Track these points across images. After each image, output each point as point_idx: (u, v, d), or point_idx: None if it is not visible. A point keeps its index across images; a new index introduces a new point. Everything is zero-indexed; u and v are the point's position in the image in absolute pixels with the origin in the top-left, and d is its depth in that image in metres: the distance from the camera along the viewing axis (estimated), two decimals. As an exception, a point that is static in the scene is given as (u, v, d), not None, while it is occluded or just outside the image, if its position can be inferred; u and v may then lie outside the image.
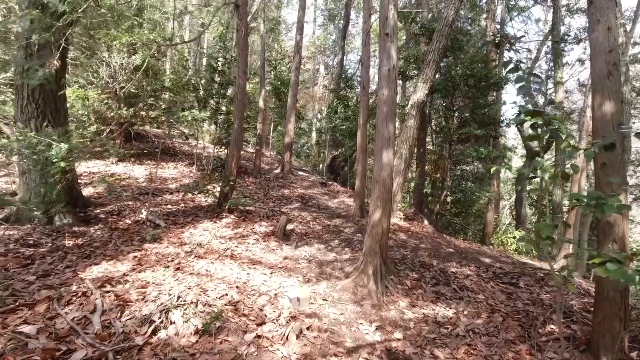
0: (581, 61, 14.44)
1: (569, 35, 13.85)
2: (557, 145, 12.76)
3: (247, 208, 7.73)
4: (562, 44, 13.31)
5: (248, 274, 4.39)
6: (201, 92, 9.83)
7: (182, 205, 7.26)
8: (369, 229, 4.71)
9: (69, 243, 4.41)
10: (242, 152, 16.85)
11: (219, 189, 7.56)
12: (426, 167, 8.66)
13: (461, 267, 5.68)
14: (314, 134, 24.78)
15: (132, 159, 10.77)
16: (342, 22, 21.85)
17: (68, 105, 7.79)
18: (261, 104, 11.69)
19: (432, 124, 9.69)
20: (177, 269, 4.02)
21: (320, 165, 18.67)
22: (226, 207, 6.97)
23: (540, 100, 15.24)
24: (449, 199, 9.31)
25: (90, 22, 5.70)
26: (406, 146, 9.28)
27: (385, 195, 4.65)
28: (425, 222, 9.38)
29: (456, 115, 8.71)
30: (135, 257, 4.24)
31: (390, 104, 4.82)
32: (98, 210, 5.85)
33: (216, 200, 7.43)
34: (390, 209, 4.75)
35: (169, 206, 6.97)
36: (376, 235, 4.60)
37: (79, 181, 8.15)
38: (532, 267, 6.66)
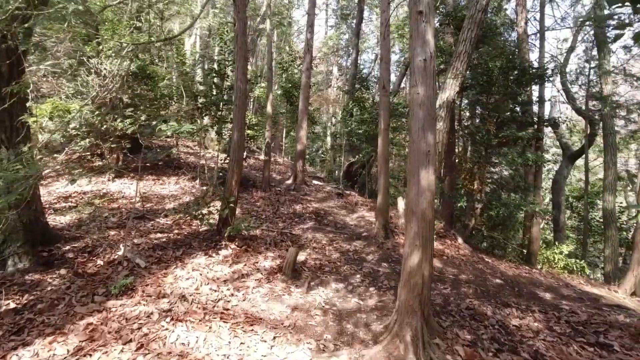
0: (627, 47, 12.76)
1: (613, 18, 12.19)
2: (607, 144, 11.17)
3: (252, 233, 6.61)
4: (607, 29, 11.69)
5: (242, 343, 3.24)
6: (200, 99, 8.79)
7: (176, 231, 6.20)
8: (405, 276, 3.49)
9: (7, 303, 3.36)
10: (253, 161, 15.87)
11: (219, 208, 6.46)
12: (462, 176, 7.37)
13: (523, 313, 4.37)
14: (328, 138, 23.65)
15: (132, 175, 9.86)
16: (354, 20, 20.65)
17: (46, 119, 6.89)
18: (269, 109, 10.60)
19: (463, 126, 8.34)
20: (141, 346, 2.90)
21: (336, 172, 17.46)
22: (226, 234, 5.86)
23: (581, 93, 13.60)
24: (485, 212, 7.96)
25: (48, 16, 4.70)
26: (437, 141, 7.98)
27: (425, 232, 3.43)
28: (459, 239, 8.05)
29: (494, 115, 7.39)
30: (90, 325, 3.15)
31: (428, 107, 3.60)
32: (67, 247, 4.82)
33: (215, 225, 6.35)
34: (432, 249, 3.52)
35: (158, 235, 5.91)
36: (415, 286, 3.38)
37: (63, 205, 7.24)
38: (608, 305, 5.26)
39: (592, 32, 12.82)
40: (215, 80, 9.23)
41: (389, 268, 5.77)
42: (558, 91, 13.25)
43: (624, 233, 10.83)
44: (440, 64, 8.55)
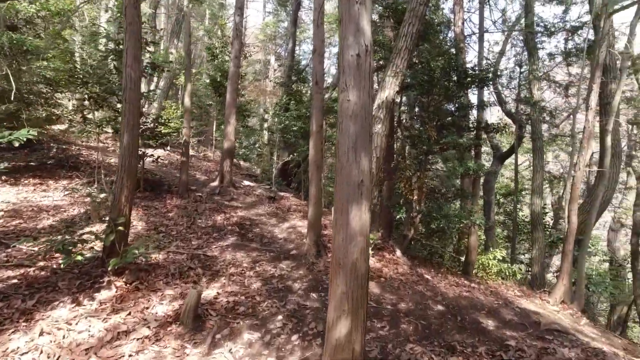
0: (552, 55, 13.30)
1: (540, 25, 12.56)
2: (535, 148, 11.45)
3: (152, 261, 5.29)
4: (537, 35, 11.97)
5: None
6: (93, 87, 7.03)
7: (40, 264, 4.66)
8: (328, 350, 2.57)
9: None
10: (178, 157, 14.00)
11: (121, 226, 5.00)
12: (401, 186, 6.74)
13: (469, 361, 3.73)
14: (265, 132, 22.32)
15: (4, 177, 7.80)
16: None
17: None
18: (187, 101, 9.08)
19: (403, 128, 7.73)
20: None
21: (271, 170, 16.25)
22: (110, 267, 4.48)
23: (510, 98, 13.99)
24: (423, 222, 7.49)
25: None
26: (373, 158, 7.26)
27: (357, 293, 2.53)
28: (398, 252, 7.47)
29: (435, 119, 6.84)
30: None
31: (362, 119, 2.69)
32: None
33: (100, 254, 4.92)
34: (365, 313, 2.63)
35: (8, 273, 4.35)
36: (342, 368, 2.46)
37: None
38: (550, 330, 4.92)
39: (521, 38, 13.14)
40: (115, 63, 7.53)
41: (319, 301, 4.88)
42: (489, 93, 13.45)
43: (549, 232, 11.26)
44: (379, 60, 7.81)
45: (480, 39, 9.84)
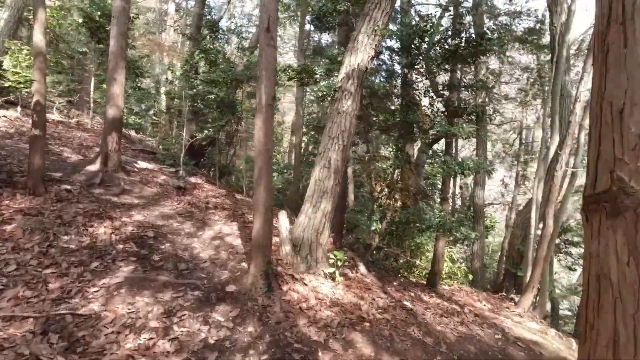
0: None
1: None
2: (479, 139, 10.87)
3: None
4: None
5: None
6: None
7: None
8: None
9: None
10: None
11: None
12: (377, 186, 5.04)
13: None
14: (163, 98, 18.34)
15: None
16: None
17: None
18: (38, 39, 5.60)
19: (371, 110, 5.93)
20: None
21: (178, 148, 12.82)
22: None
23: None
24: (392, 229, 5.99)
25: None
26: (338, 147, 5.37)
27: None
28: (362, 267, 5.87)
29: (435, 97, 5.21)
30: None
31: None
32: None
33: None
34: None
35: None
36: None
37: None
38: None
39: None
40: None
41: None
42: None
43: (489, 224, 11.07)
44: (348, 8, 5.76)
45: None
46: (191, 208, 7.12)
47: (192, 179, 9.44)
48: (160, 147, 13.63)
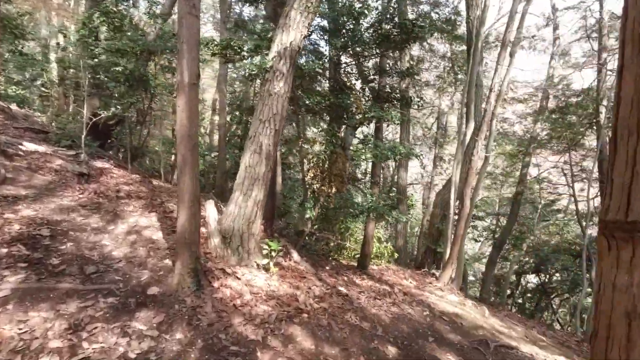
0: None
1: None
2: (403, 121, 11.37)
3: None
4: None
5: None
6: None
7: None
8: None
9: None
10: None
11: None
12: (311, 172, 4.88)
13: None
14: (54, 66, 15.66)
15: None
16: None
17: None
18: None
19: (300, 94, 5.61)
20: None
21: (79, 128, 10.96)
22: None
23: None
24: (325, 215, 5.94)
25: None
26: (269, 131, 5.08)
27: None
28: (295, 255, 5.76)
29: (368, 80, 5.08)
30: None
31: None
32: None
33: None
34: None
35: None
36: None
37: None
38: (504, 345, 4.36)
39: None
40: None
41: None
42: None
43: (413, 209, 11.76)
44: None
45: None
46: (98, 198, 6.19)
47: (98, 163, 8.24)
48: (54, 124, 11.63)
